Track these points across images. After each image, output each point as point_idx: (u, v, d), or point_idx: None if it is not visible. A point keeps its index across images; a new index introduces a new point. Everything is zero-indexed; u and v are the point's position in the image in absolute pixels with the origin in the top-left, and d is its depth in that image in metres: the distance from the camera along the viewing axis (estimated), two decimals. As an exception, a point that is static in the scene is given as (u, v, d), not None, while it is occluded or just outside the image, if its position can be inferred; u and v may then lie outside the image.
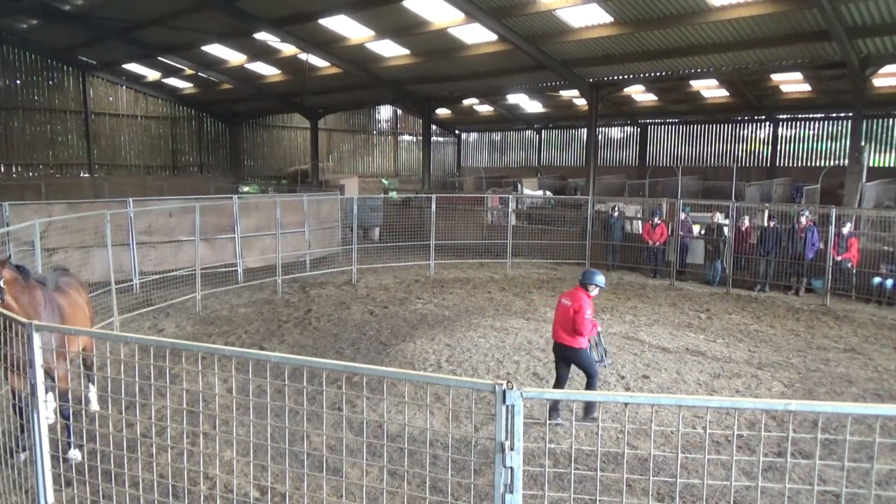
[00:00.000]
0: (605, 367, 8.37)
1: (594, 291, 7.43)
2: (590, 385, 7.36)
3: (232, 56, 26.17)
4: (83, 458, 5.54)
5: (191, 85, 31.97)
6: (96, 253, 12.91)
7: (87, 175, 31.11)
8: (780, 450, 6.50)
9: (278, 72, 27.44)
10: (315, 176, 30.50)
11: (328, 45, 22.63)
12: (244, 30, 21.87)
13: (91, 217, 12.43)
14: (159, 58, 27.46)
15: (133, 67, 30.17)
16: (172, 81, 31.74)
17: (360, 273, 16.13)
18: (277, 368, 7.80)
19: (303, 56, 23.80)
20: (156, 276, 13.38)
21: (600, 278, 7.47)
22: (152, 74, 30.96)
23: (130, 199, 13.52)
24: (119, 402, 6.41)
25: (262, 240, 15.96)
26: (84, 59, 29.79)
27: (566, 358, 7.39)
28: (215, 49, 25.28)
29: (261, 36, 22.48)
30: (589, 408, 7.50)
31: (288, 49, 23.81)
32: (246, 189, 32.04)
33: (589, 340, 7.44)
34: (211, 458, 5.92)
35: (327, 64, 24.81)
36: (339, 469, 5.95)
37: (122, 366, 7.08)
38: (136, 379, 6.10)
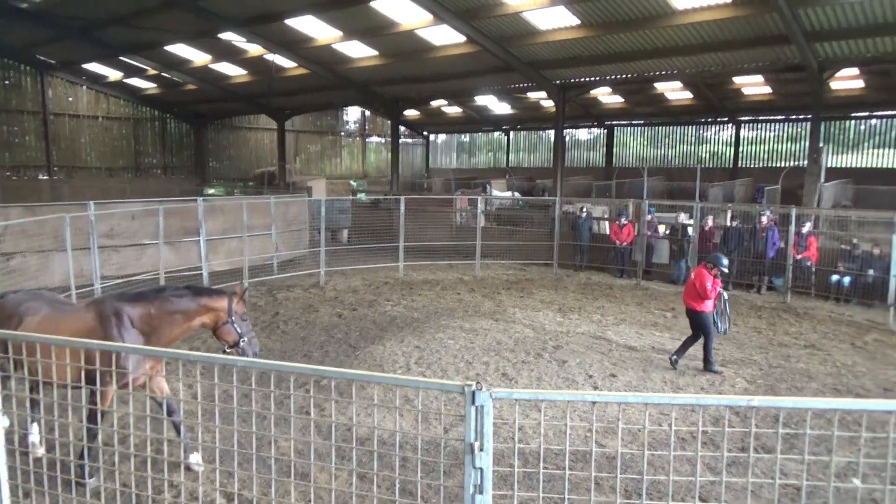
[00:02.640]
0: (722, 333, 9.68)
1: (714, 270, 9.24)
2: (704, 343, 9.36)
3: (196, 56, 25.77)
4: (43, 467, 5.39)
5: (154, 85, 31.39)
6: (56, 257, 12.58)
7: (45, 177, 30.33)
8: (743, 445, 6.62)
9: (244, 72, 27.11)
10: (282, 178, 30.20)
11: (295, 45, 22.44)
12: (209, 30, 21.56)
13: (50, 220, 12.11)
14: (121, 58, 26.92)
15: (94, 67, 29.51)
16: (135, 82, 31.12)
17: (328, 275, 16.01)
18: (244, 373, 7.70)
19: (269, 57, 23.56)
20: (118, 281, 13.08)
21: (724, 261, 9.32)
22: (114, 74, 30.32)
23: (91, 202, 13.21)
24: (79, 411, 6.25)
25: (228, 243, 15.72)
26: (42, 58, 29.05)
27: (691, 318, 9.48)
28: (179, 49, 24.87)
29: (226, 36, 22.19)
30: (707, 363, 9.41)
31: (254, 49, 23.54)
32: (211, 191, 31.54)
33: (717, 309, 9.36)
34: (176, 465, 5.81)
35: (294, 65, 24.60)
36: (308, 474, 5.89)
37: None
38: (98, 386, 5.99)
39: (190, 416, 6.97)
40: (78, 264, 12.00)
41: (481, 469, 3.37)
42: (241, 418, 6.89)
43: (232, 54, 24.74)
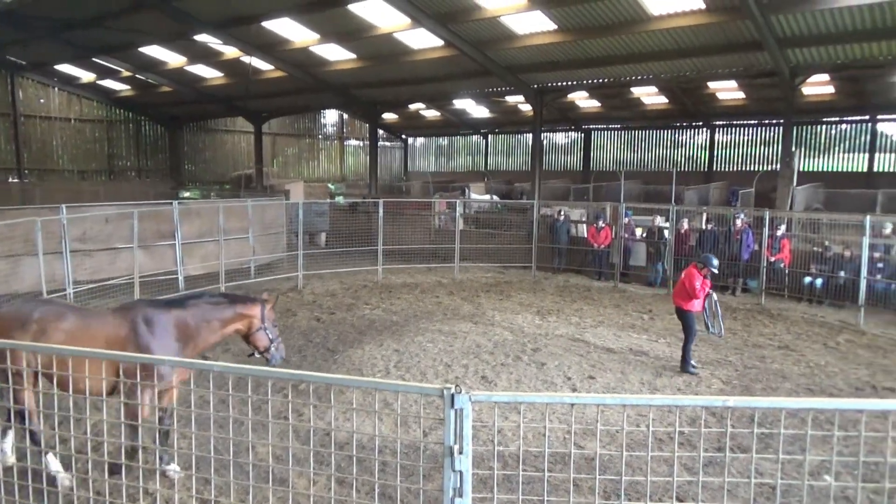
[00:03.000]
0: (715, 335, 9.86)
1: (704, 270, 9.42)
2: (684, 343, 9.52)
3: (171, 58, 25.45)
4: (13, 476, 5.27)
5: (128, 87, 30.94)
6: (26, 262, 12.32)
7: (16, 180, 29.72)
8: (719, 445, 6.70)
9: (220, 74, 26.86)
10: (259, 181, 29.96)
11: (272, 48, 22.29)
12: (184, 31, 21.31)
13: (21, 224, 11.87)
14: (94, 59, 26.49)
15: (66, 68, 28.99)
16: (108, 83, 30.64)
17: (306, 279, 15.91)
18: (221, 378, 7.60)
19: (246, 59, 23.36)
20: (91, 286, 12.85)
21: (715, 262, 9.56)
22: (86, 76, 29.82)
23: (63, 206, 12.96)
24: (51, 418, 6.13)
25: (204, 246, 15.54)
26: (12, 59, 28.45)
27: (679, 317, 9.65)
28: (153, 50, 24.54)
29: (201, 38, 21.96)
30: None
31: (230, 51, 23.33)
32: (187, 194, 31.16)
33: (707, 310, 9.56)
34: (151, 472, 5.72)
35: (271, 67, 24.43)
36: (286, 479, 5.83)
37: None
38: (71, 393, 5.91)
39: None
40: (50, 269, 11.77)
41: (461, 472, 3.37)
42: (217, 424, 6.81)
43: (208, 56, 24.50)
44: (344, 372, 9.32)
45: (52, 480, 5.38)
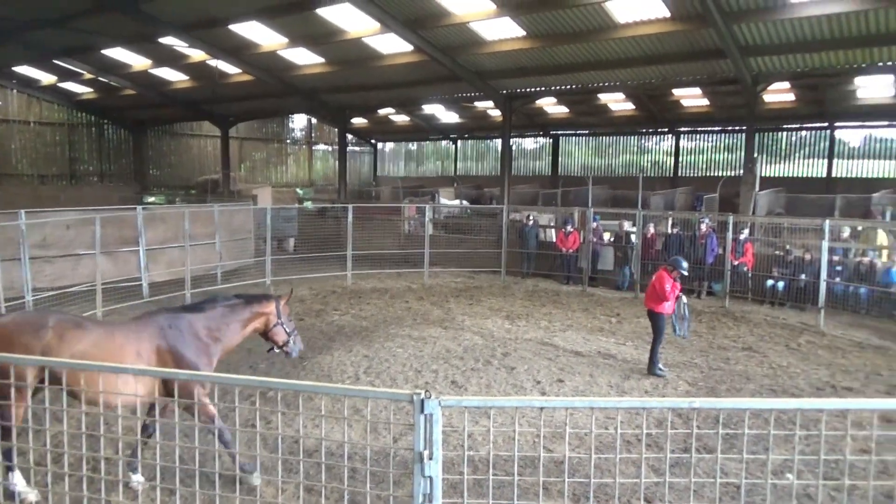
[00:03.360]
0: (680, 337, 10.13)
1: (674, 273, 9.57)
2: (652, 345, 9.67)
3: (135, 60, 24.98)
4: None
5: (90, 90, 30.28)
6: (-17, 268, 11.96)
7: (-28, 185, 28.89)
8: (685, 446, 6.80)
9: (186, 78, 26.47)
10: (226, 186, 29.56)
11: (239, 51, 22.04)
12: (149, 34, 20.95)
13: (-23, 230, 11.53)
14: (55, 61, 25.87)
15: (25, 70, 28.26)
16: (70, 86, 29.95)
17: (274, 285, 15.74)
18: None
19: (212, 62, 23.06)
20: (52, 293, 12.53)
21: (684, 264, 9.75)
22: (47, 78, 29.10)
23: (22, 211, 12.62)
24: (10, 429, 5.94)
25: (169, 252, 15.27)
26: (-32, 60, 27.68)
27: (650, 319, 9.79)
28: (117, 53, 24.05)
29: (167, 40, 21.61)
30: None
31: (196, 55, 23.00)
32: (151, 199, 30.63)
33: (676, 312, 9.73)
34: (114, 484, 5.58)
35: (239, 71, 24.15)
36: (254, 488, 5.76)
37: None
38: (29, 403, 5.71)
39: (129, 433, 6.73)
40: (8, 276, 11.46)
41: (431, 478, 3.36)
42: (183, 433, 6.69)
43: (173, 59, 24.12)
44: (313, 378, 9.24)
45: (12, 496, 5.22)
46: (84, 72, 26.70)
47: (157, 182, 35.63)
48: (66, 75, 28.14)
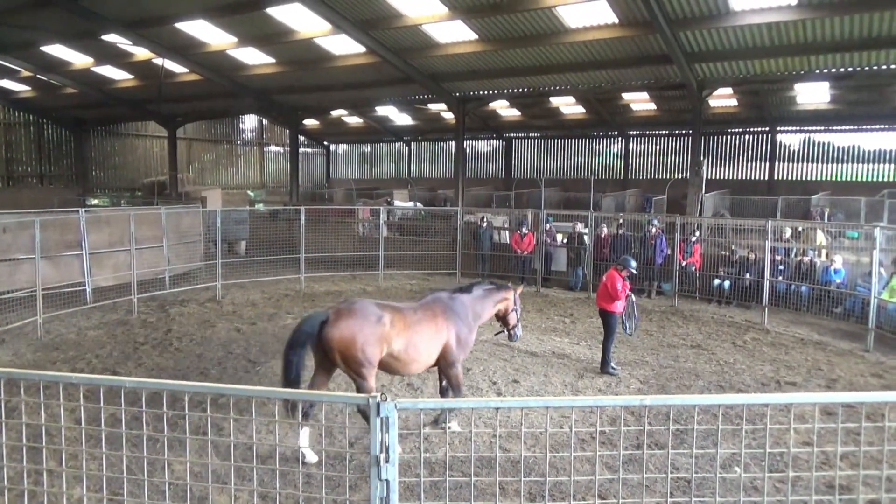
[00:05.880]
0: (628, 334, 10.24)
1: (624, 272, 9.67)
2: (604, 344, 9.79)
3: (76, 58, 24.13)
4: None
5: (28, 88, 29.11)
6: (-88, 275, 11.37)
7: None
8: (638, 442, 6.93)
9: (130, 76, 25.71)
10: (174, 188, 28.82)
11: (186, 50, 21.54)
12: (91, 31, 20.23)
13: None
14: (-10, 58, 24.81)
15: (-43, 67, 27.01)
16: (6, 83, 28.71)
17: (225, 289, 15.41)
18: (134, 394, 7.25)
19: (158, 61, 22.45)
20: (-12, 299, 11.98)
21: (633, 263, 9.84)
22: (-19, 75, 27.90)
23: (-45, 214, 12.06)
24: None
25: (114, 256, 14.78)
26: None
27: (602, 318, 9.91)
28: (57, 50, 23.19)
29: (110, 38, 20.93)
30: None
31: (141, 53, 22.36)
32: (95, 202, 29.64)
33: (625, 311, 9.82)
34: (57, 497, 5.37)
35: (186, 70, 23.61)
36: (206, 497, 5.61)
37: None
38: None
39: (73, 443, 6.48)
40: (-61, 282, 10.90)
41: (387, 481, 3.34)
42: (130, 443, 6.49)
43: (116, 57, 23.38)
44: (266, 384, 9.08)
45: None
46: (22, 69, 25.64)
47: (101, 184, 34.53)
48: (2, 73, 26.96)
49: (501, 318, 7.81)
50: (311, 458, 6.45)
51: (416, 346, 6.67)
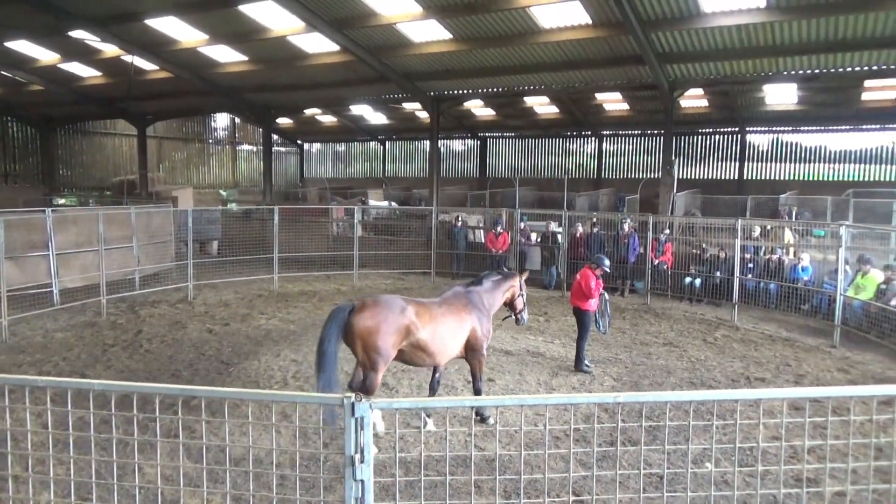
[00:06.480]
0: (602, 332, 10.36)
1: (598, 271, 9.78)
2: (578, 343, 9.90)
3: (42, 54, 23.60)
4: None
5: (-8, 84, 28.43)
6: None
7: None
8: (611, 439, 6.99)
9: (99, 74, 25.23)
10: (144, 187, 28.34)
11: (157, 47, 21.21)
12: (58, 26, 19.81)
13: None
14: (-49, 53, 24.14)
15: (-83, 63, 26.23)
16: (-31, 80, 28.02)
17: (197, 289, 15.21)
18: (102, 397, 7.10)
19: (127, 58, 22.06)
20: (-50, 301, 11.66)
21: (606, 262, 9.93)
22: (-57, 71, 27.11)
23: (-85, 214, 11.70)
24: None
25: (82, 257, 14.48)
26: None
27: (576, 316, 9.99)
28: (22, 46, 22.65)
29: (77, 34, 20.51)
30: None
31: (110, 50, 21.96)
32: (62, 201, 29.02)
33: (599, 309, 9.93)
34: (24, 502, 5.25)
35: (156, 67, 23.24)
36: (177, 500, 5.53)
37: None
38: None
39: (39, 448, 6.34)
40: None
41: (362, 481, 3.32)
42: (99, 446, 6.37)
43: (84, 54, 22.93)
44: (239, 385, 8.99)
45: None
46: (-15, 65, 25.04)
47: (68, 183, 33.84)
48: (-36, 69, 26.29)
49: (509, 303, 8.24)
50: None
51: (442, 337, 7.02)
